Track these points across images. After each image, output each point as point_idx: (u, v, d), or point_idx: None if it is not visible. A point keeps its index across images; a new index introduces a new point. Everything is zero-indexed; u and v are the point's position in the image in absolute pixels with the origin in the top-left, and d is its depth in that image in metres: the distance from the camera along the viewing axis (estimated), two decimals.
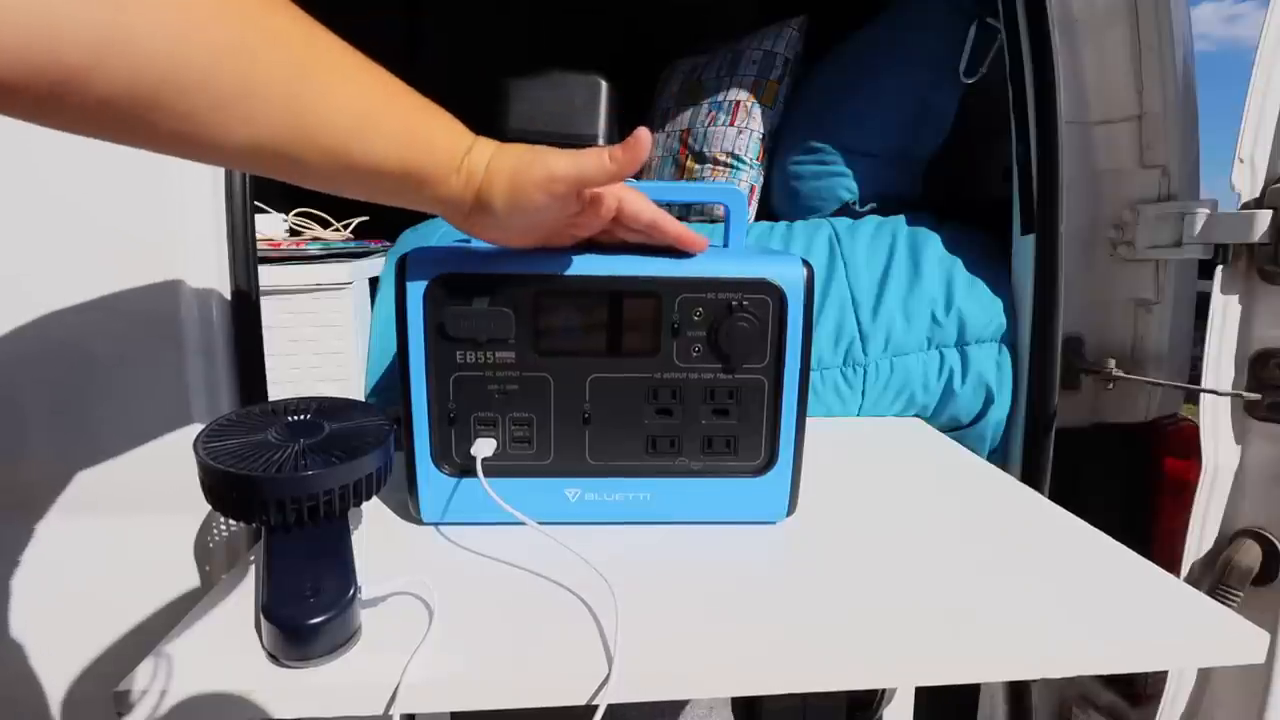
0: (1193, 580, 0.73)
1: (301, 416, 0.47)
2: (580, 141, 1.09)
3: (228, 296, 0.59)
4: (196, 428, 0.45)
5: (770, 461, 0.54)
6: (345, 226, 1.04)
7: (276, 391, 0.62)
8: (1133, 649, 0.42)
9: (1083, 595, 0.46)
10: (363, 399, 0.71)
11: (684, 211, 1.10)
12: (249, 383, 0.60)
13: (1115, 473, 0.81)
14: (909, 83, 0.97)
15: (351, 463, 0.42)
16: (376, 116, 0.38)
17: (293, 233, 1.01)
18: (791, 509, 0.56)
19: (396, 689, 0.37)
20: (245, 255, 0.59)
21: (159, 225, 0.56)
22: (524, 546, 0.50)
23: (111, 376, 0.56)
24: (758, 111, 1.08)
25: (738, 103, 1.10)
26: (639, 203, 0.49)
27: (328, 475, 0.41)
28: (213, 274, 0.58)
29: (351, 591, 0.40)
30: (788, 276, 0.51)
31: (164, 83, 0.29)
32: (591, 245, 0.51)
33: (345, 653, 0.39)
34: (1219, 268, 0.70)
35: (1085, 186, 0.79)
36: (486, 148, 0.43)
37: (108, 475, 0.57)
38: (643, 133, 0.42)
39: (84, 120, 0.30)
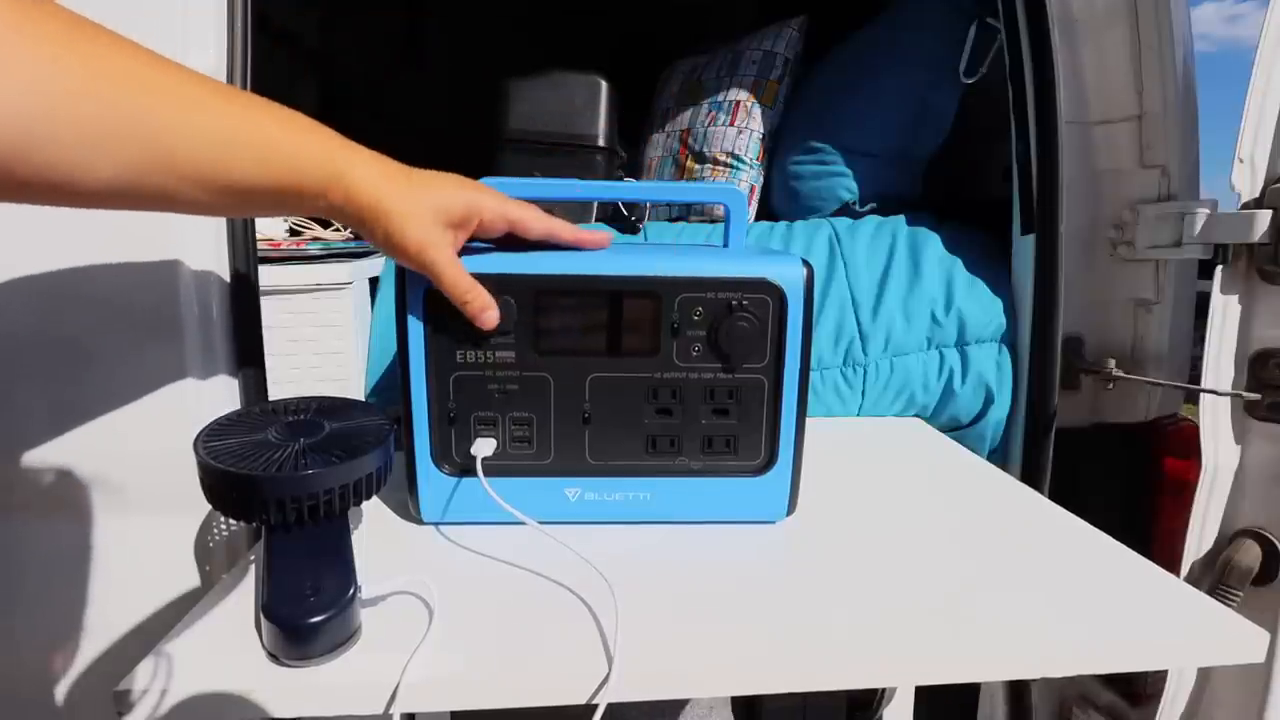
0: (1193, 580, 0.73)
1: (301, 416, 0.47)
2: (580, 141, 1.09)
3: (228, 296, 0.59)
4: (196, 428, 0.45)
5: (770, 461, 0.54)
6: (345, 226, 1.04)
7: (276, 391, 0.62)
8: (1133, 649, 0.42)
9: (1083, 595, 0.46)
10: (363, 399, 0.71)
11: (684, 211, 1.10)
12: (249, 382, 0.60)
13: (1115, 473, 0.81)
14: (909, 83, 0.97)
15: (351, 462, 0.42)
16: (236, 140, 0.38)
17: (293, 233, 1.01)
18: (791, 509, 0.56)
19: (396, 689, 0.37)
20: (245, 255, 0.59)
21: (159, 224, 0.56)
22: (524, 546, 0.50)
23: (111, 376, 0.56)
24: (758, 111, 1.08)
25: (738, 103, 1.10)
26: (529, 220, 0.49)
27: (328, 474, 0.41)
28: (213, 273, 0.58)
29: (351, 591, 0.40)
30: (788, 276, 0.51)
31: (21, 137, 0.31)
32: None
33: (345, 652, 0.39)
34: (1219, 268, 0.70)
35: (1085, 186, 0.79)
36: (356, 172, 0.42)
37: (107, 475, 0.57)
38: (486, 307, 0.47)
39: None
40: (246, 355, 0.60)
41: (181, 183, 0.37)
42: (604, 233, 0.54)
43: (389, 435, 0.46)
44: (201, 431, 0.44)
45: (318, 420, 0.46)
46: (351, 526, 0.45)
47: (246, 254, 0.60)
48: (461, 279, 0.47)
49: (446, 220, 0.45)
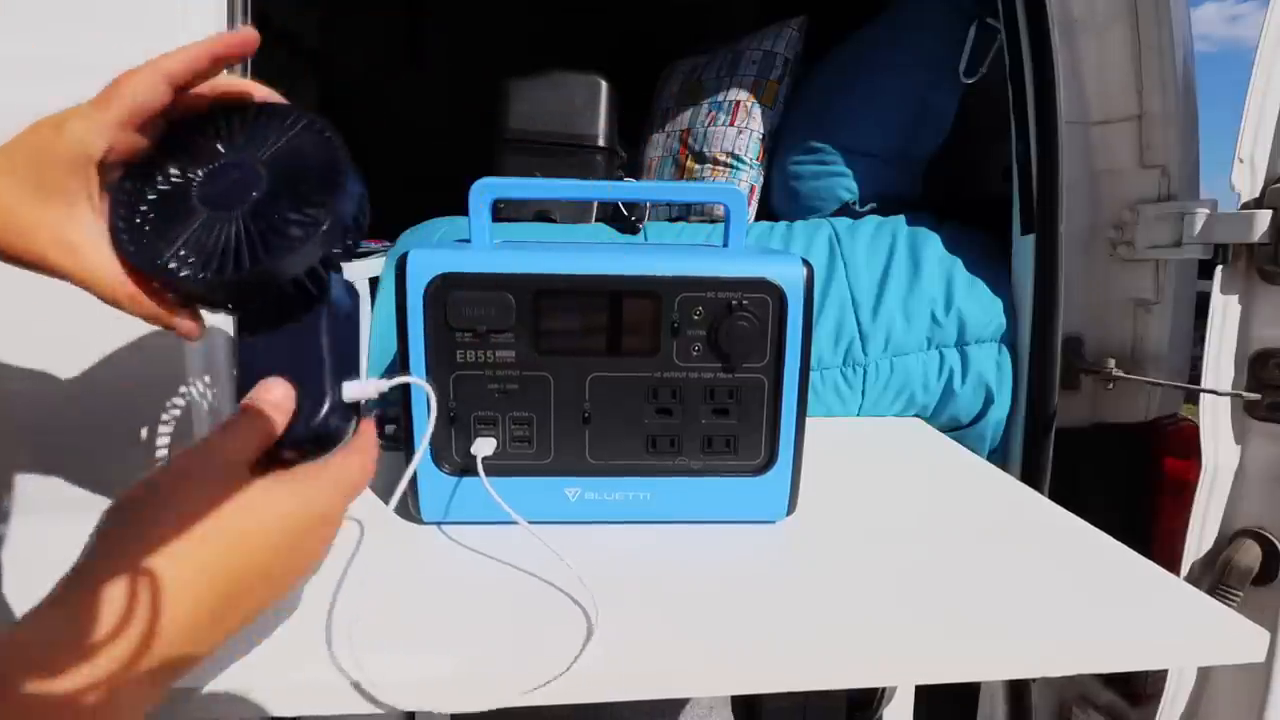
0: (1193, 580, 0.73)
1: (214, 163, 0.36)
2: (580, 141, 1.09)
3: None
4: (197, 428, 0.45)
5: (770, 461, 0.54)
6: None
7: None
8: (1133, 648, 0.42)
9: (1083, 595, 0.46)
10: None
11: (684, 211, 1.10)
12: None
13: (1115, 473, 0.81)
14: (908, 83, 0.97)
15: (329, 215, 0.33)
16: None
17: None
18: (791, 509, 0.56)
19: (396, 689, 0.37)
20: None
21: None
22: (524, 546, 0.50)
23: (110, 376, 0.56)
24: (758, 111, 1.08)
25: (738, 103, 1.10)
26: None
27: (306, 248, 0.33)
28: None
29: (329, 400, 0.35)
30: (787, 276, 0.51)
31: None
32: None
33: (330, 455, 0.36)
34: (1219, 268, 0.70)
35: (1085, 186, 0.79)
36: None
37: (107, 475, 0.57)
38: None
39: None
40: None
41: None
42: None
43: (337, 149, 0.36)
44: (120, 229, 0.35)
45: (238, 164, 0.36)
46: (341, 313, 0.38)
47: None
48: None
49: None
